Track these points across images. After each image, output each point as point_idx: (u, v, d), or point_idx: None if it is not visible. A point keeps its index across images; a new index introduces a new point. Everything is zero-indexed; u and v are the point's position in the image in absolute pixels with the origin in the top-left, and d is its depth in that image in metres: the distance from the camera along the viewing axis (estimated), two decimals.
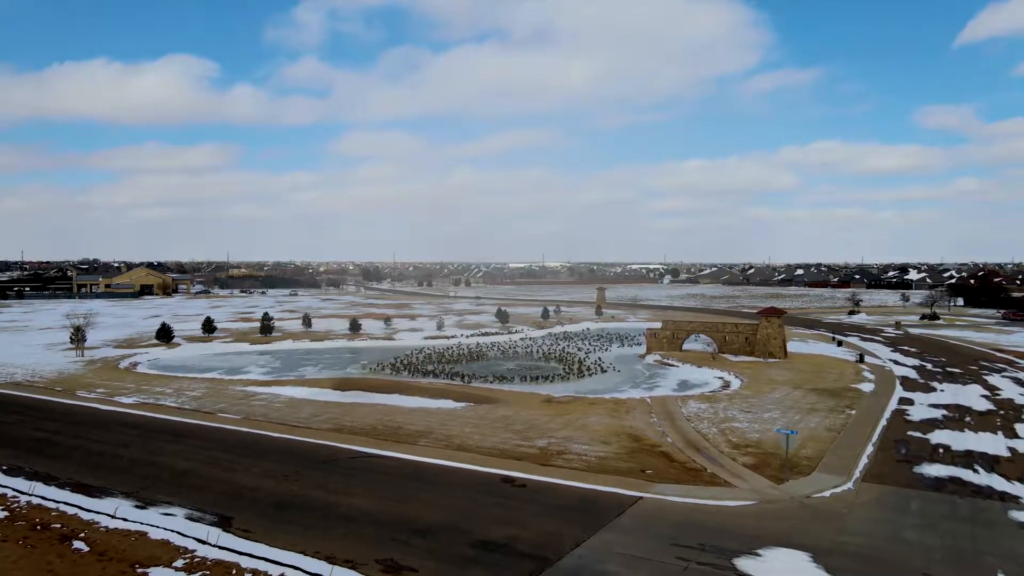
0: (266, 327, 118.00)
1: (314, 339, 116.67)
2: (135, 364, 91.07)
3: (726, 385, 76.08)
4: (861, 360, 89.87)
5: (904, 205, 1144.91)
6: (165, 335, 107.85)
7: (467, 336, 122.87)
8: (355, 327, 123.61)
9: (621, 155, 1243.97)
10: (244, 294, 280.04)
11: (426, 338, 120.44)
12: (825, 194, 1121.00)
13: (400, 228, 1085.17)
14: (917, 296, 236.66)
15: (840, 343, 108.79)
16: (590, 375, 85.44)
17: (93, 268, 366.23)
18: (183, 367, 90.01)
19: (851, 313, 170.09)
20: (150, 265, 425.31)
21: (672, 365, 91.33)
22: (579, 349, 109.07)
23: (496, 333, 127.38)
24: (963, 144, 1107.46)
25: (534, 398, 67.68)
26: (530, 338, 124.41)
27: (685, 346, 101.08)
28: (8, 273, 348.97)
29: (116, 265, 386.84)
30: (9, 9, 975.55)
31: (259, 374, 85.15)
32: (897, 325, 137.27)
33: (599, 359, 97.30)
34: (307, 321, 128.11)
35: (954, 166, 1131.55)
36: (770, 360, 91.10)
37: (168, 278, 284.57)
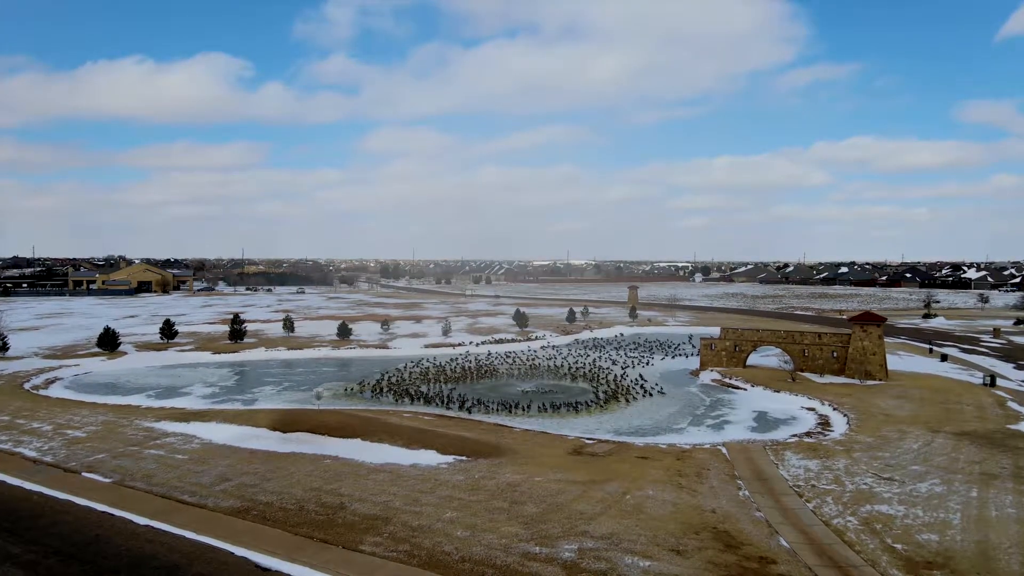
0: (236, 332, 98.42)
1: (292, 347, 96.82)
2: (51, 381, 71.75)
3: (824, 423, 54.61)
4: (992, 383, 67.69)
5: (938, 203, 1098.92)
6: (109, 342, 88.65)
7: (478, 344, 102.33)
8: (344, 332, 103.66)
9: (650, 152, 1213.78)
10: (249, 291, 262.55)
11: (427, 346, 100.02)
12: (857, 191, 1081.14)
13: (424, 226, 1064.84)
14: (997, 298, 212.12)
15: (945, 357, 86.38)
16: (632, 401, 64.39)
17: (98, 265, 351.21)
18: (109, 387, 70.43)
19: (926, 316, 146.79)
20: (166, 262, 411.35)
21: (738, 387, 69.89)
22: (614, 362, 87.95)
23: (512, 340, 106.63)
24: (1003, 139, 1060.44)
25: (557, 445, 46.83)
26: (553, 346, 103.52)
27: (750, 360, 79.50)
28: (18, 269, 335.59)
29: (114, 260, 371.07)
30: (43, 7, 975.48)
31: (197, 398, 65.30)
32: (996, 332, 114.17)
33: (640, 377, 76.18)
34: (289, 325, 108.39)
35: (993, 162, 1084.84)
36: (868, 383, 69.25)
37: (168, 275, 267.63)
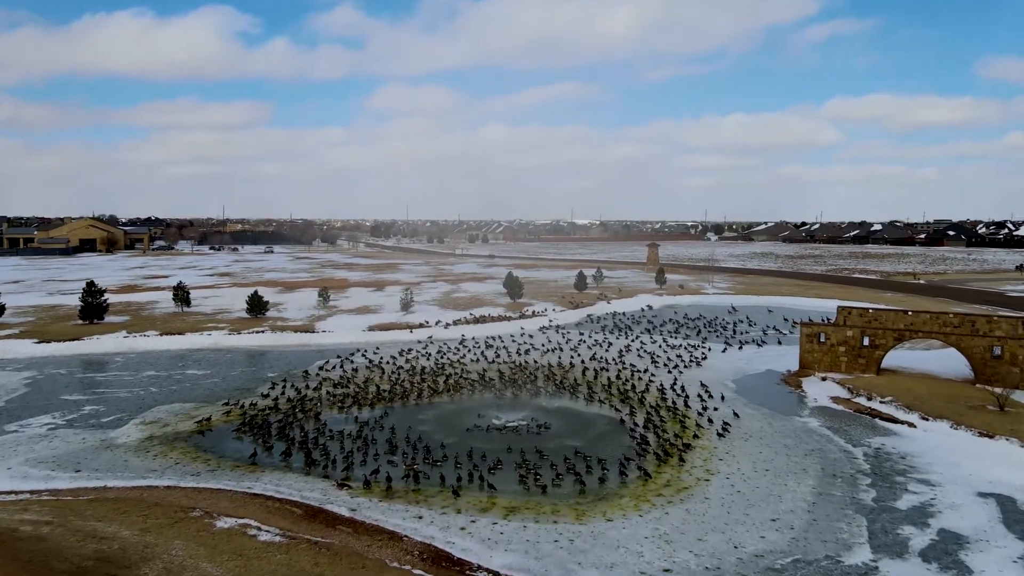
0: (90, 308, 67.08)
1: (170, 331, 65.39)
2: None
3: None
4: None
5: (949, 162, 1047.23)
6: None
7: (448, 324, 70.83)
8: (257, 307, 72.19)
9: (660, 110, 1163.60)
10: (212, 250, 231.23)
11: (373, 328, 68.64)
12: (868, 151, 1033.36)
13: (426, 185, 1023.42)
14: None
15: None
16: (706, 454, 33.03)
17: (32, 222, 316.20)
18: None
19: None
20: (147, 220, 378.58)
21: (895, 420, 38.38)
22: (653, 357, 56.38)
23: (500, 318, 75.10)
24: (1021, 95, 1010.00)
25: None
26: (557, 327, 72.09)
27: (887, 361, 47.84)
28: None
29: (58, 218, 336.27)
30: None
31: None
32: None
33: (704, 388, 44.89)
34: (182, 296, 76.40)
35: (1008, 119, 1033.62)
36: None
37: (119, 232, 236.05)
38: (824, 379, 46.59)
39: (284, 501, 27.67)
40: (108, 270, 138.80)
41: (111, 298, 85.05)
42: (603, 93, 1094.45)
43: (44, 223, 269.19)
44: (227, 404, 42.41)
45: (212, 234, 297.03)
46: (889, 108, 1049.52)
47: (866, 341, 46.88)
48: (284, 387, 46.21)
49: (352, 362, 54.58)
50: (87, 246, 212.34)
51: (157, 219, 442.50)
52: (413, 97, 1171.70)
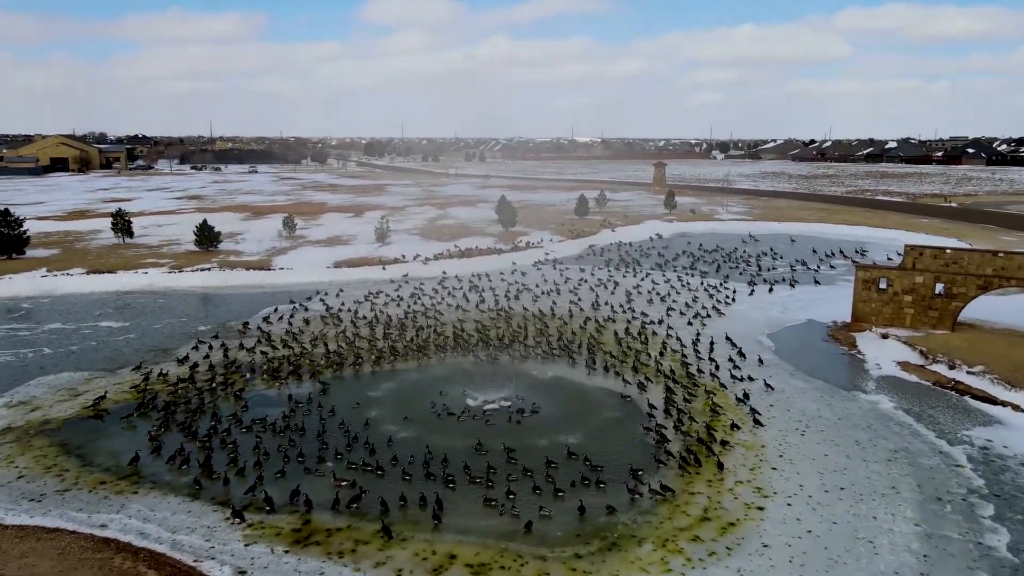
0: (7, 242, 57.26)
1: (100, 268, 55.76)
2: None
3: None
4: None
5: (962, 76, 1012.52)
6: None
7: (428, 259, 61.05)
8: (207, 239, 62.35)
9: (669, 21, 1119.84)
10: (194, 170, 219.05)
11: (340, 264, 58.95)
12: (879, 65, 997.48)
13: (425, 102, 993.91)
14: None
15: None
16: (753, 457, 23.95)
17: (18, 140, 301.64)
18: None
19: None
20: (133, 138, 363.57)
21: (995, 402, 29.18)
22: (664, 301, 46.96)
23: (489, 251, 65.27)
24: None
25: None
26: (553, 262, 62.44)
27: (963, 314, 38.35)
28: None
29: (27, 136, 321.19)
30: None
31: None
32: None
33: (735, 348, 35.80)
34: (123, 226, 66.16)
35: None
36: None
37: (93, 150, 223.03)
38: (885, 336, 37.29)
39: (141, 555, 18.71)
40: (70, 192, 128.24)
41: (51, 226, 75.50)
42: (609, 3, 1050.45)
43: (27, 141, 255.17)
44: (139, 369, 33.38)
45: (195, 153, 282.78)
46: (904, 19, 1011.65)
47: (940, 289, 37.34)
48: (210, 348, 36.98)
49: (306, 310, 45.29)
50: (59, 165, 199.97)
51: (145, 137, 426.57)
52: (412, 8, 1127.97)
